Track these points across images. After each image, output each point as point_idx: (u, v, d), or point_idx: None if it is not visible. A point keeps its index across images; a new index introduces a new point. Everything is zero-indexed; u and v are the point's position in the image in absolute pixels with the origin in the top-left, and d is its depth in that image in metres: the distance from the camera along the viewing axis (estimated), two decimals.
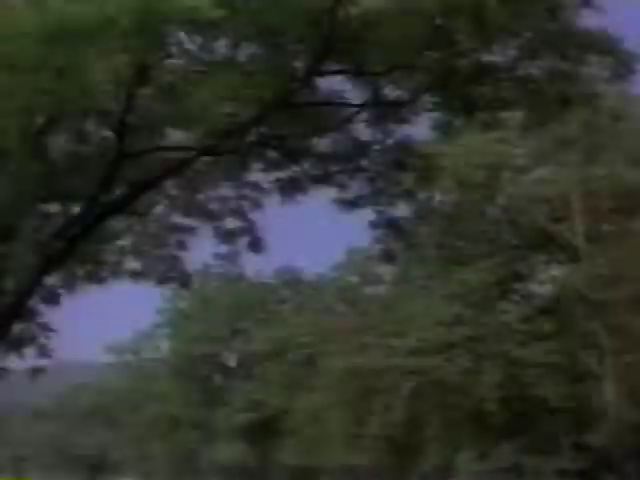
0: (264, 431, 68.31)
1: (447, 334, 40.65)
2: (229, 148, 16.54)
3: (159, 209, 20.30)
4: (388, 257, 26.28)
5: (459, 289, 42.42)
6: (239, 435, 68.43)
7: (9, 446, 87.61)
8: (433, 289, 45.64)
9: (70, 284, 18.41)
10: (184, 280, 21.27)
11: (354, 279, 68.64)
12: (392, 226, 19.90)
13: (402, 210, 20.13)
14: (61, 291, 18.11)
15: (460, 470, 39.57)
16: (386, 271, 57.95)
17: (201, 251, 22.44)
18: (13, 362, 17.96)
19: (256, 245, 19.55)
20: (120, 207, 16.71)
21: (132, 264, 20.60)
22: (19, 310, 16.13)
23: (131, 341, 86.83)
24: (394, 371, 42.25)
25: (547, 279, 43.42)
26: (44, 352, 18.20)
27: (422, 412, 44.38)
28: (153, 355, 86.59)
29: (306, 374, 63.10)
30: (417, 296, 47.35)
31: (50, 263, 15.60)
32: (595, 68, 15.26)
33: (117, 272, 20.73)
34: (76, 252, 17.11)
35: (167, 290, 67.29)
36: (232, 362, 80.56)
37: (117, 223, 20.41)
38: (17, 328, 17.71)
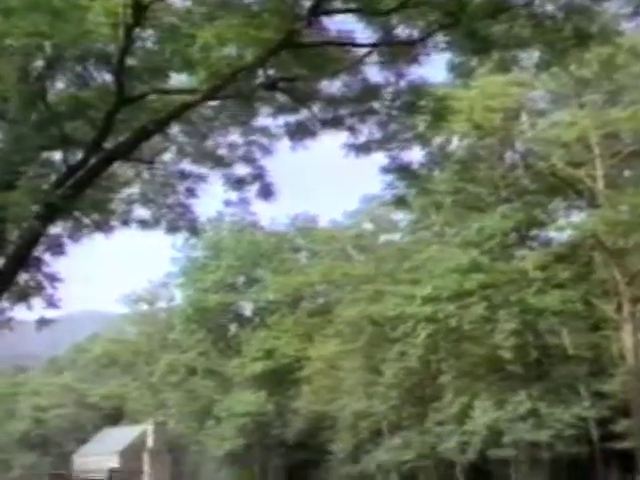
0: (280, 379, 68.95)
1: (463, 281, 40.51)
2: (235, 91, 16.20)
3: (167, 157, 20.10)
4: (400, 203, 26.07)
5: (475, 236, 42.21)
6: (255, 383, 69.07)
7: (27, 397, 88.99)
8: (449, 236, 45.44)
9: (76, 233, 18.24)
10: (194, 228, 21.09)
11: (369, 226, 68.54)
12: (404, 171, 19.58)
13: (415, 155, 19.76)
14: (67, 240, 17.94)
15: (477, 418, 39.75)
16: (401, 218, 57.89)
17: (211, 199, 22.27)
18: (22, 313, 18.00)
19: (266, 192, 19.33)
20: (124, 153, 16.49)
21: (141, 213, 20.47)
22: (23, 260, 16.07)
23: (146, 291, 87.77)
24: (409, 319, 42.28)
25: (565, 225, 43.01)
26: (52, 302, 18.09)
27: (437, 360, 44.59)
28: (168, 305, 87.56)
29: (321, 322, 63.54)
30: (432, 243, 47.26)
31: (54, 211, 15.45)
32: (615, 4, 14.71)
33: (126, 221, 20.58)
34: (81, 200, 16.97)
35: (180, 239, 67.84)
36: (247, 311, 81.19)
37: (125, 171, 20.30)
38: (23, 278, 17.72)
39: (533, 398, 37.89)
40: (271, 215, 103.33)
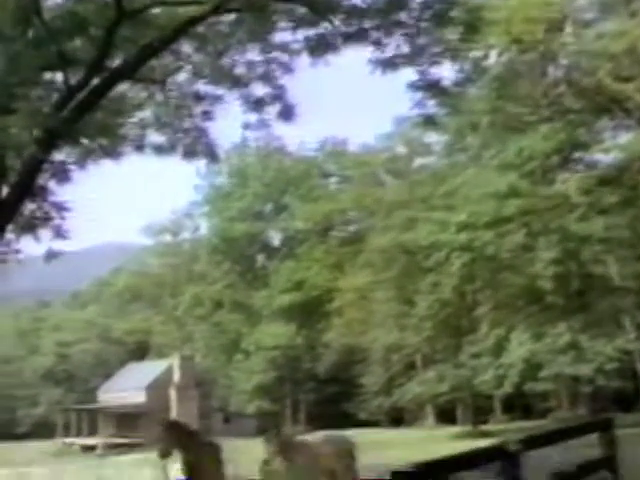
0: (309, 312, 69.70)
1: (500, 207, 40.03)
2: (247, 3, 15.76)
3: (181, 77, 19.76)
4: (430, 123, 25.52)
5: (514, 158, 41.50)
6: (284, 316, 69.88)
7: (50, 332, 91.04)
8: (486, 159, 44.74)
9: (83, 159, 18.15)
10: (212, 153, 20.86)
11: (402, 150, 67.84)
12: (434, 88, 19.08)
13: (446, 71, 19.19)
14: (73, 167, 17.88)
15: (514, 351, 39.84)
16: (436, 140, 57.12)
17: (232, 122, 21.99)
18: (42, 246, 18.05)
19: (287, 113, 18.95)
20: (129, 73, 16.25)
21: (155, 138, 20.28)
22: (27, 189, 16.06)
23: (169, 221, 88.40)
24: (443, 247, 42.08)
25: (612, 147, 42.04)
26: (60, 233, 18.14)
27: (473, 291, 44.52)
28: (192, 235, 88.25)
29: (352, 252, 63.69)
30: (469, 167, 46.63)
31: (56, 136, 15.35)
32: None
33: (140, 146, 20.42)
34: (87, 124, 16.84)
35: (203, 166, 67.85)
36: (275, 241, 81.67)
37: (137, 93, 20.03)
38: (29, 208, 17.76)
39: (574, 330, 37.71)
40: (299, 140, 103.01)
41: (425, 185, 52.21)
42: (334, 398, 65.88)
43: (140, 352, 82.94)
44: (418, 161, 65.62)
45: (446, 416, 53.20)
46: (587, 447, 9.52)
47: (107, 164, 19.49)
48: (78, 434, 58.02)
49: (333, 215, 72.47)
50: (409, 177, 60.62)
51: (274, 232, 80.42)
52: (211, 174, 79.29)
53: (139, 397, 58.58)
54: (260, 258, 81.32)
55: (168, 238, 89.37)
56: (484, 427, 43.69)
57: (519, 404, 54.65)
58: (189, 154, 20.69)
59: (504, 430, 37.79)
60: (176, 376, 58.34)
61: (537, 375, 38.50)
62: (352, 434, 43.39)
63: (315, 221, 72.95)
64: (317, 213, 71.87)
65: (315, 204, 72.61)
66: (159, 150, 20.65)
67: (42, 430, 73.72)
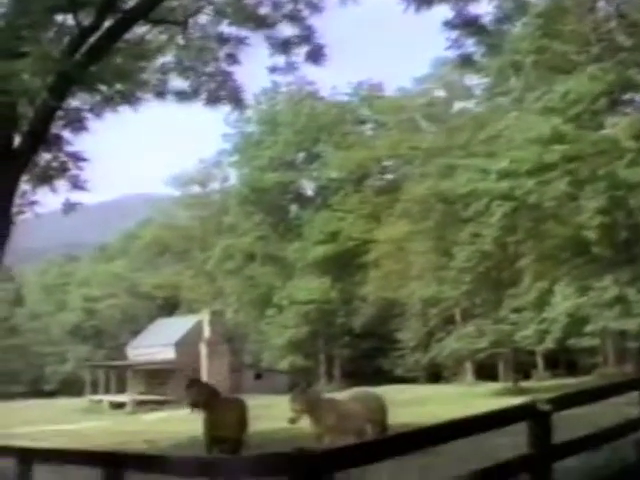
0: (344, 264, 69.74)
1: (544, 153, 39.36)
2: None
3: (204, 18, 19.53)
4: (467, 63, 25.00)
5: (559, 101, 40.65)
6: (318, 269, 70.01)
7: (77, 287, 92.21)
8: (529, 102, 43.91)
9: (100, 107, 18.07)
10: (237, 99, 20.70)
11: (441, 93, 66.98)
12: (472, 27, 18.71)
13: (485, 7, 18.74)
14: (89, 115, 17.85)
15: (557, 305, 39.55)
16: (477, 83, 56.22)
17: (258, 65, 21.71)
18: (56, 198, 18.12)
19: (316, 55, 18.75)
20: (144, 13, 16.10)
21: (177, 83, 20.14)
22: (41, 138, 16.08)
23: (197, 171, 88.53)
24: (483, 196, 41.62)
25: None
26: (77, 184, 18.21)
27: (515, 242, 44.11)
28: (221, 186, 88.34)
29: (388, 201, 63.38)
30: (511, 111, 45.88)
31: (68, 82, 15.28)
32: None
33: (161, 92, 20.28)
34: (103, 69, 16.73)
35: (230, 113, 67.43)
36: (308, 190, 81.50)
37: (157, 36, 19.84)
38: (44, 159, 17.82)
39: (620, 283, 37.22)
40: (332, 84, 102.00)
41: (464, 130, 51.61)
42: (370, 354, 66.26)
43: (169, 307, 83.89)
44: (457, 105, 64.87)
45: (486, 372, 53.24)
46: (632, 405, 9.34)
47: (130, 113, 19.39)
48: (106, 391, 59.05)
49: (368, 163, 72.02)
50: (448, 122, 59.96)
51: (307, 181, 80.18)
52: (240, 122, 78.87)
53: (168, 353, 59.34)
54: (293, 209, 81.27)
55: (196, 189, 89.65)
56: (525, 384, 43.65)
57: (563, 360, 54.56)
58: (213, 100, 20.55)
59: (546, 387, 37.70)
60: (206, 332, 58.87)
61: (582, 330, 38.24)
62: (388, 390, 43.75)
63: (349, 169, 72.57)
64: (351, 161, 71.45)
65: (349, 152, 72.16)
66: (181, 96, 20.54)
67: (70, 387, 75.36)
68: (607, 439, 8.07)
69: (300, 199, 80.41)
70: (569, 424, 9.65)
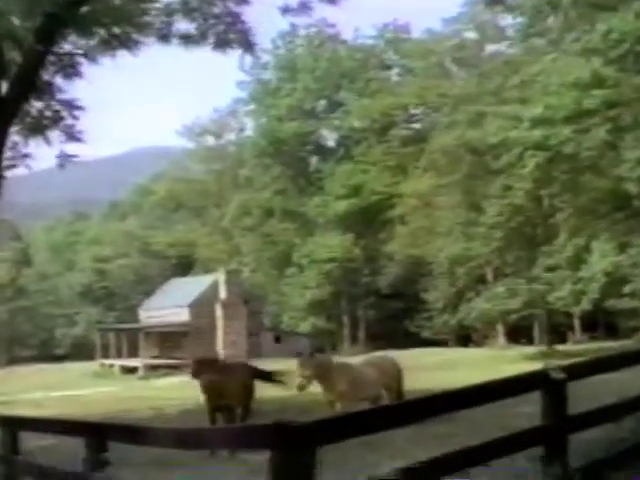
0: (368, 220, 69.60)
1: (582, 98, 38.76)
2: None
3: None
4: (499, 2, 24.57)
5: (600, 42, 39.84)
6: (340, 225, 69.90)
7: (87, 246, 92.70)
8: (567, 43, 43.09)
9: (95, 51, 17.82)
10: (248, 42, 20.45)
11: (472, 35, 66.02)
12: None
13: None
14: (82, 60, 17.63)
15: (594, 264, 39.18)
16: (511, 23, 55.26)
17: (271, 6, 21.32)
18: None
19: None
20: None
21: (183, 25, 19.88)
22: (30, 84, 15.91)
23: (211, 122, 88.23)
24: (515, 146, 41.14)
25: None
26: (72, 135, 18.10)
27: (549, 195, 43.67)
28: (237, 137, 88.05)
29: (414, 152, 62.93)
30: (547, 53, 45.10)
31: (59, 24, 15.07)
32: None
33: (165, 35, 20.02)
34: (101, 11, 16.51)
35: (242, 58, 66.84)
36: (329, 141, 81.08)
37: None
38: (36, 107, 17.68)
39: None
40: (355, 27, 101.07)
41: (496, 75, 50.96)
42: (397, 315, 66.32)
43: (184, 267, 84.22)
44: (489, 48, 63.92)
45: (519, 335, 53.14)
46: None
47: (141, 59, 19.17)
48: (118, 355, 59.54)
49: (393, 111, 71.43)
50: (479, 67, 59.16)
51: (328, 131, 79.78)
52: (256, 68, 78.48)
53: (182, 315, 59.63)
54: (313, 161, 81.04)
55: (211, 141, 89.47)
56: (561, 347, 43.45)
57: (602, 322, 54.26)
58: (222, 43, 20.31)
59: (583, 351, 37.48)
60: (222, 292, 58.98)
61: (620, 291, 37.93)
62: (414, 354, 43.72)
63: (373, 118, 72.06)
64: (375, 109, 70.94)
65: (373, 99, 71.63)
66: (188, 40, 20.30)
67: (81, 351, 76.20)
68: (631, 409, 7.85)
69: (321, 150, 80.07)
70: (596, 392, 9.48)
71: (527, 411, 7.15)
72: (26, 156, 18.01)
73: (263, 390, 21.40)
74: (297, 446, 5.11)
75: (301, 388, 14.66)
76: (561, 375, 6.79)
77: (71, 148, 18.97)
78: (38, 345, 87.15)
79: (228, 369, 16.20)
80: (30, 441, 11.10)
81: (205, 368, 15.31)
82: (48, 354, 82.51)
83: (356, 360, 18.48)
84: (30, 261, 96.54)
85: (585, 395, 7.75)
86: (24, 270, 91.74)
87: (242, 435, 5.69)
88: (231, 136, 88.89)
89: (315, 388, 15.30)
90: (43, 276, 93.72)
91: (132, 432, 7.24)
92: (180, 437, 6.38)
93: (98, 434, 7.59)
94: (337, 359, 18.90)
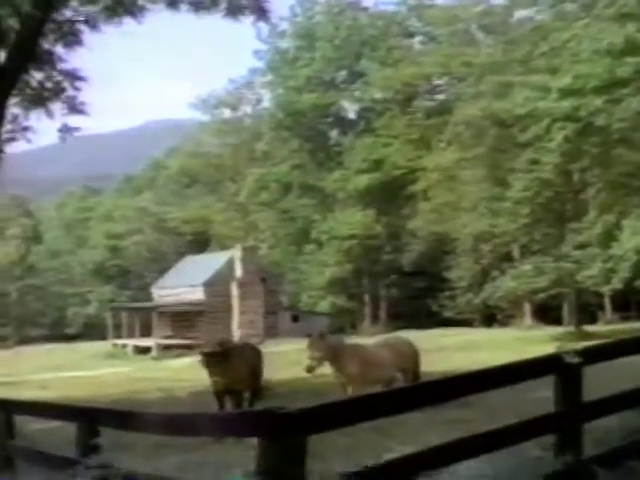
0: (390, 195, 69.36)
1: (615, 67, 38.31)
2: None
3: None
4: None
5: (637, 5, 39.39)
6: (361, 201, 69.70)
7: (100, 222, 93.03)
8: (600, 7, 42.57)
9: (95, 18, 17.68)
10: (261, 9, 20.30)
11: (499, 0, 65.41)
12: None
13: None
14: (83, 27, 17.51)
15: (626, 241, 38.74)
16: None
17: None
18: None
19: None
20: None
21: None
22: (30, 53, 15.81)
23: (227, 93, 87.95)
24: (543, 117, 40.77)
25: None
26: (75, 107, 18.02)
27: (579, 169, 43.29)
28: (254, 109, 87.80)
29: (438, 125, 62.55)
30: (578, 18, 44.59)
31: None
32: None
33: (174, 2, 19.87)
34: None
35: (262, 27, 66.52)
36: (350, 113, 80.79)
37: None
38: (36, 78, 17.60)
39: None
40: None
41: (525, 43, 50.43)
42: (419, 294, 66.21)
43: (200, 244, 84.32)
44: (518, 14, 63.07)
45: (547, 315, 52.87)
46: None
47: (152, 30, 19.01)
48: (130, 335, 59.83)
49: (416, 81, 70.97)
50: (506, 34, 58.56)
51: (348, 103, 79.28)
52: (273, 36, 78.10)
53: (197, 294, 59.76)
54: (333, 134, 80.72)
55: (226, 113, 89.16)
56: (590, 328, 43.17)
57: (634, 302, 53.91)
58: (234, 10, 20.17)
59: (613, 331, 37.25)
60: (238, 270, 58.99)
61: None
62: (437, 334, 43.60)
63: (396, 89, 71.62)
64: (398, 79, 70.42)
65: (395, 69, 71.06)
66: (198, 6, 20.16)
67: (93, 331, 76.66)
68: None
69: (341, 123, 79.72)
70: (613, 377, 9.31)
71: (548, 396, 6.99)
72: (27, 129, 17.96)
73: (274, 372, 21.44)
74: (287, 434, 5.03)
75: (310, 370, 14.60)
76: (575, 359, 6.64)
77: (80, 121, 18.95)
78: (49, 325, 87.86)
79: (234, 351, 16.11)
80: (33, 424, 11.15)
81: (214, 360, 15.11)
82: (59, 334, 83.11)
83: (371, 341, 18.37)
84: (40, 238, 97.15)
85: (602, 380, 7.60)
86: (34, 247, 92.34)
87: (232, 422, 5.60)
88: (247, 108, 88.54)
89: (327, 369, 15.28)
90: (54, 253, 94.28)
91: (122, 417, 7.19)
92: (169, 423, 6.32)
93: (89, 419, 7.57)
94: (349, 340, 18.86)
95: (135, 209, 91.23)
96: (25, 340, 79.20)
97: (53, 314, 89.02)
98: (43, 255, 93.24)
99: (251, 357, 16.15)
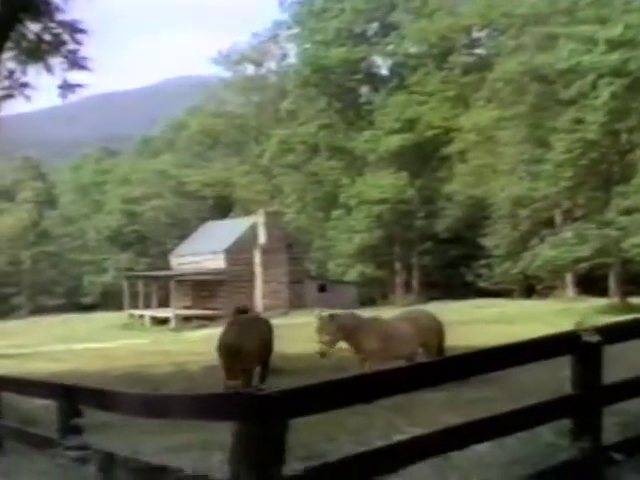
0: (424, 157, 68.88)
1: None
2: None
3: None
4: None
5: None
6: (393, 163, 69.30)
7: (116, 186, 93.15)
8: None
9: None
10: None
11: None
12: None
13: None
14: None
15: None
16: None
17: None
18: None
19: None
20: None
21: None
22: (22, 1, 15.62)
23: (250, 48, 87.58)
24: (588, 72, 40.21)
25: None
26: (76, 61, 17.80)
27: (627, 129, 42.77)
28: (279, 65, 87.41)
29: (476, 81, 61.90)
30: None
31: None
32: None
33: None
34: None
35: None
36: (382, 69, 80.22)
37: None
38: (33, 30, 17.39)
39: None
40: None
41: None
42: (455, 262, 65.85)
43: (222, 208, 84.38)
44: None
45: (592, 286, 52.29)
46: None
47: None
48: (147, 305, 60.03)
49: (453, 34, 70.25)
50: None
51: (380, 58, 78.82)
52: None
53: (218, 262, 59.82)
54: (363, 91, 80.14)
55: (249, 70, 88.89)
56: (636, 300, 42.67)
57: None
58: None
59: None
60: (261, 236, 59.07)
61: None
62: (470, 306, 43.37)
63: (431, 42, 71.06)
64: (433, 32, 69.90)
65: (431, 20, 70.44)
66: None
67: (110, 300, 77.01)
68: None
69: (372, 79, 79.13)
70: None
71: None
72: (25, 85, 17.77)
73: (295, 345, 21.33)
74: (265, 418, 4.86)
75: (322, 355, 14.50)
76: (595, 338, 6.41)
77: (85, 78, 18.74)
78: (64, 294, 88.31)
79: (242, 324, 16.02)
80: (35, 401, 11.12)
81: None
82: (75, 303, 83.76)
83: (391, 315, 18.13)
84: (54, 203, 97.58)
85: (625, 361, 7.40)
86: (48, 212, 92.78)
87: (206, 405, 5.46)
88: (272, 64, 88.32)
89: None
90: (69, 219, 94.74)
91: (100, 396, 7.10)
92: (144, 404, 6.22)
93: (68, 397, 7.53)
94: (367, 314, 18.64)
95: (154, 172, 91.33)
96: (39, 310, 79.85)
97: (68, 283, 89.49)
98: (57, 221, 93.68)
99: (261, 330, 16.04)
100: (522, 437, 6.67)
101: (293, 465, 4.93)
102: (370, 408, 11.58)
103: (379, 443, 6.05)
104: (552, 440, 6.62)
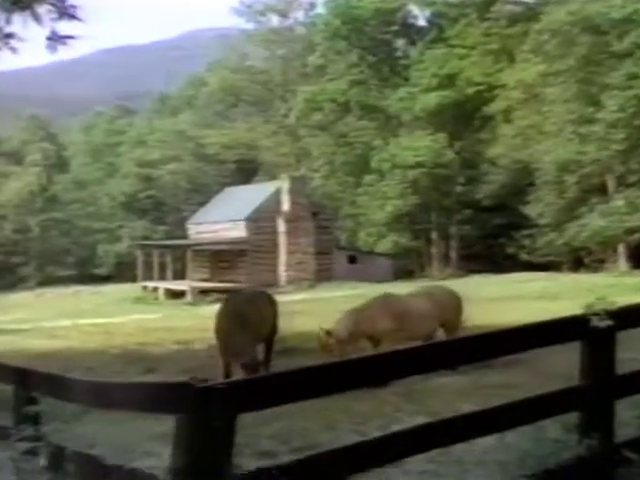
0: (464, 117, 68.47)
1: None
2: None
3: None
4: None
5: None
6: (430, 123, 68.92)
7: (132, 148, 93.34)
8: None
9: None
10: None
11: None
12: None
13: None
14: None
15: None
16: None
17: None
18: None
19: None
20: None
21: None
22: None
23: None
24: None
25: None
26: (66, 10, 17.50)
27: None
28: (306, 16, 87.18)
29: (521, 33, 61.39)
30: None
31: None
32: None
33: None
34: None
35: None
36: (419, 20, 79.73)
37: None
38: None
39: None
40: None
41: None
42: (498, 232, 65.46)
43: (246, 173, 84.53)
44: None
45: None
46: None
47: None
48: (162, 277, 60.12)
49: None
50: None
51: (417, 7, 78.11)
52: None
53: (238, 230, 59.76)
54: (398, 44, 79.76)
55: (274, 21, 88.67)
56: None
57: None
58: None
59: None
60: (285, 203, 58.95)
61: None
62: (516, 279, 43.17)
63: None
64: None
65: None
66: None
67: (125, 271, 77.32)
68: None
69: (408, 31, 78.56)
70: None
71: (619, 357, 6.54)
72: (10, 36, 17.47)
73: (313, 322, 21.17)
74: (209, 413, 4.64)
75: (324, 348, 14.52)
76: (606, 322, 6.15)
77: (80, 29, 18.43)
78: (76, 264, 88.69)
79: (253, 295, 15.88)
80: None
81: None
82: (88, 274, 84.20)
83: (407, 291, 17.85)
84: (65, 165, 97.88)
85: None
86: (57, 176, 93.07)
87: (148, 395, 5.25)
88: (299, 15, 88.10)
89: None
90: (80, 183, 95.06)
91: (51, 382, 6.96)
92: (93, 393, 6.06)
93: (21, 382, 7.40)
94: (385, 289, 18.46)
95: (172, 132, 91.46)
96: (49, 281, 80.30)
97: (80, 252, 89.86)
98: (68, 185, 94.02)
99: (263, 306, 15.86)
100: (525, 432, 6.48)
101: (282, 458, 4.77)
102: (381, 393, 11.45)
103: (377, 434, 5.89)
104: (558, 436, 6.43)
